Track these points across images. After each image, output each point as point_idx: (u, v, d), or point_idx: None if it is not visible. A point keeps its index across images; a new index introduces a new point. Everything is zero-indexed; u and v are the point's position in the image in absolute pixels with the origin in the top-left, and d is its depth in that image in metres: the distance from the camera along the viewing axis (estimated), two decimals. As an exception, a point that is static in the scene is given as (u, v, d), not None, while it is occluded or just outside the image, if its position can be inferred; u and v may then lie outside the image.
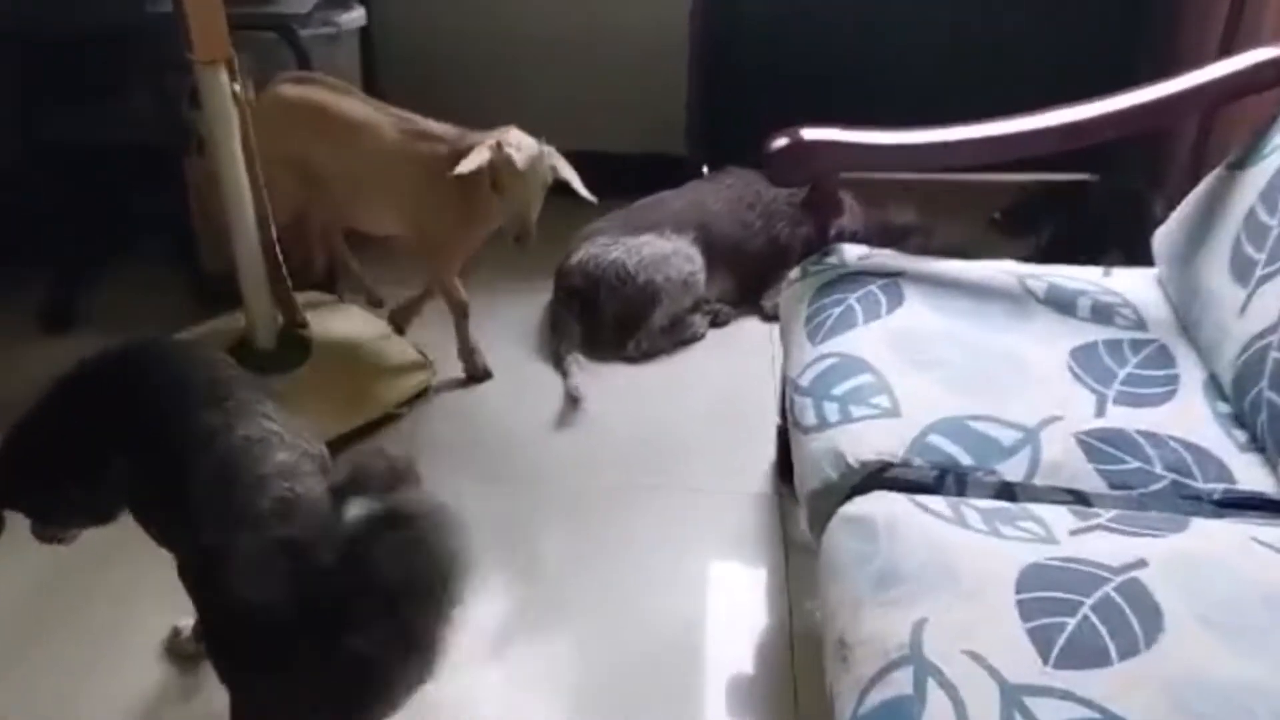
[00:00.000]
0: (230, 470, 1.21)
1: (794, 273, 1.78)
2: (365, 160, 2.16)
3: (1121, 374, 1.49)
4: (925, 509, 1.27)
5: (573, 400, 2.21)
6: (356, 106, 2.18)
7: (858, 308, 1.62)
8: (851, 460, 1.36)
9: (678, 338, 2.38)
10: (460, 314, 2.27)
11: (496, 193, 2.02)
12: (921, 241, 2.46)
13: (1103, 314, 1.61)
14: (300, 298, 2.28)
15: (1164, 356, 1.53)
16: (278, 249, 2.17)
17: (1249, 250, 1.48)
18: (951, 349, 1.52)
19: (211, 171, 2.09)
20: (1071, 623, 1.10)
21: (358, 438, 2.08)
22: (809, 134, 1.71)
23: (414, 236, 2.22)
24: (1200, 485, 1.33)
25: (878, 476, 1.34)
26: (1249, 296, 1.44)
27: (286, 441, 1.26)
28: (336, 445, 1.98)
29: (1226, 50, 2.17)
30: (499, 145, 2.00)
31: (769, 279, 2.48)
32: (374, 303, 2.50)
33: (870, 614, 1.14)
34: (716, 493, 2.03)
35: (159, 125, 2.40)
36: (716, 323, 2.46)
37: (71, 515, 1.43)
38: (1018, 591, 1.13)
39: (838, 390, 1.48)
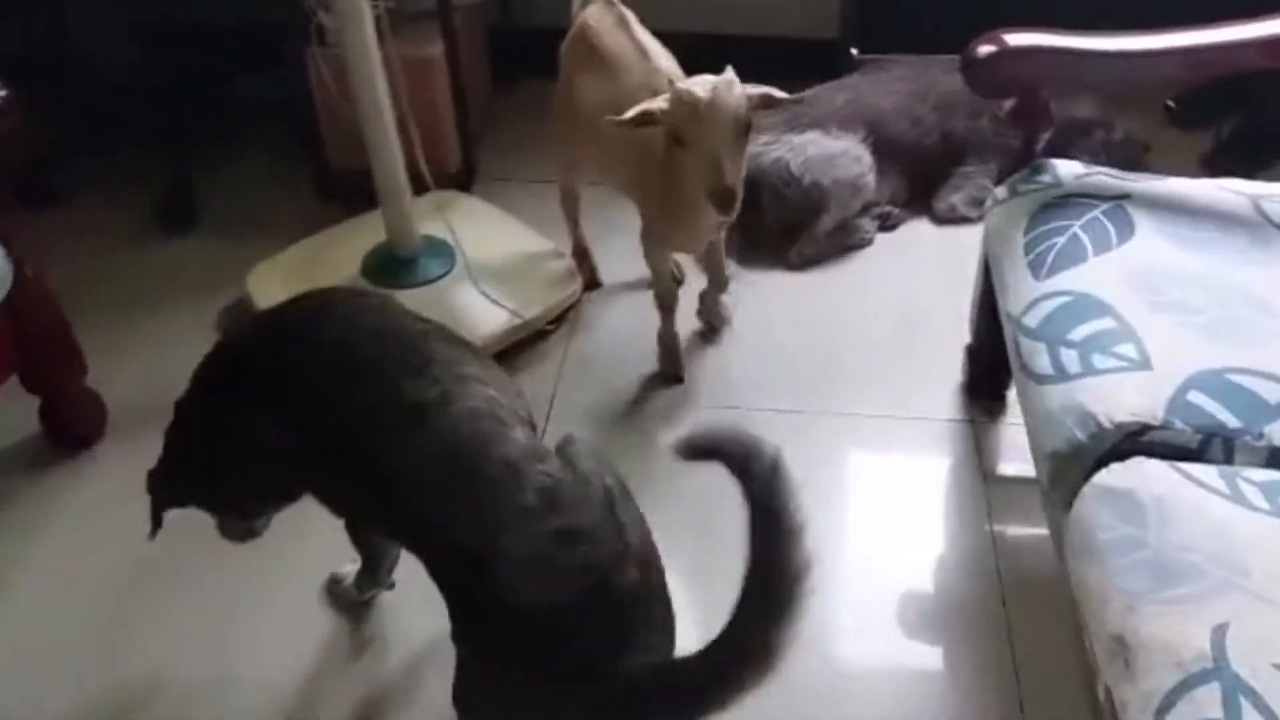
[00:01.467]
0: (466, 456, 1.10)
1: (1000, 190, 1.64)
2: (601, 101, 1.80)
3: (1387, 316, 1.37)
4: (1197, 482, 1.18)
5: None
6: (621, 41, 1.84)
7: (1084, 237, 1.49)
8: (1104, 420, 1.26)
9: (845, 243, 2.25)
10: (663, 304, 1.98)
11: (681, 147, 1.61)
12: (1104, 136, 2.29)
13: (1352, 243, 1.47)
14: (438, 197, 2.17)
15: None
16: (419, 150, 2.06)
17: None
18: (1195, 289, 1.39)
19: (341, 63, 1.97)
20: (1385, 625, 1.02)
21: (503, 358, 2.01)
22: (1015, 39, 1.56)
23: (633, 200, 1.91)
24: None
25: (1134, 440, 1.25)
26: None
27: (509, 410, 1.17)
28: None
29: None
30: (670, 84, 1.63)
31: (940, 177, 2.33)
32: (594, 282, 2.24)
33: (1152, 614, 1.06)
34: (900, 419, 1.93)
35: (274, 6, 2.26)
36: (886, 226, 2.32)
37: (251, 502, 1.35)
38: (1319, 588, 1.05)
39: (1075, 335, 1.37)
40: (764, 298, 2.15)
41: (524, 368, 2.04)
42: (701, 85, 1.59)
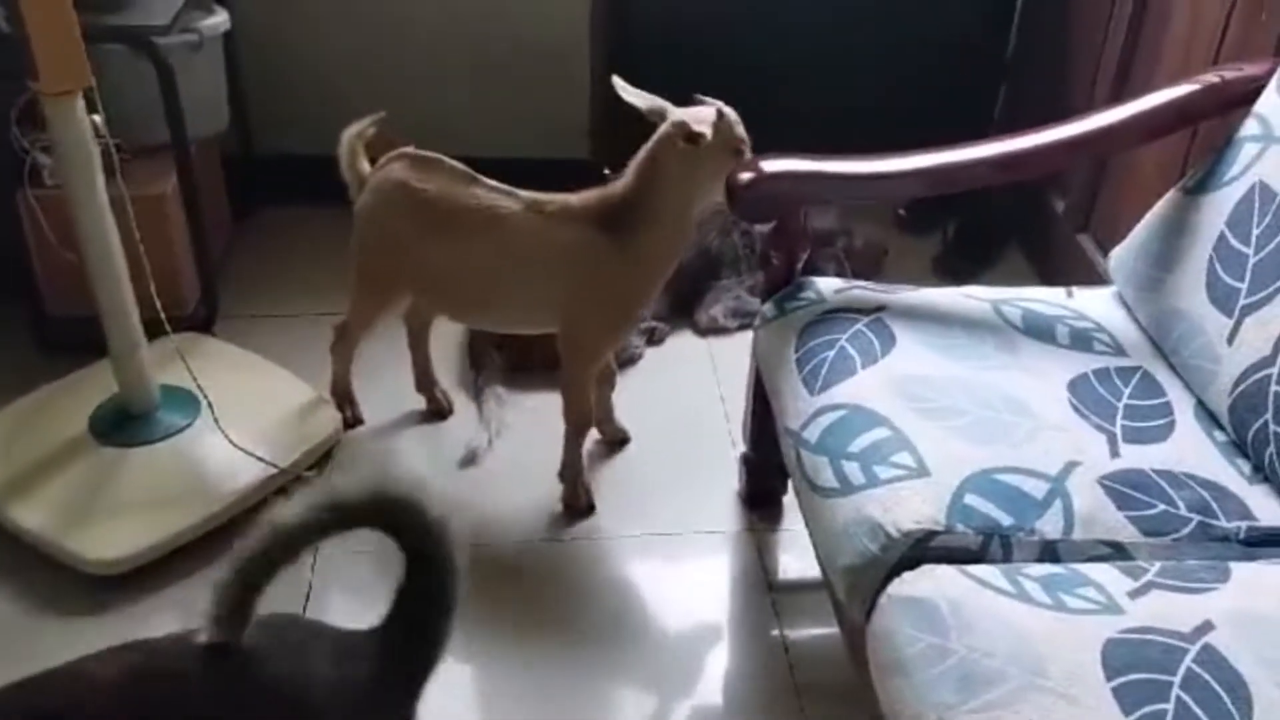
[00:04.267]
0: None
1: (767, 309, 1.69)
2: (500, 254, 1.80)
3: (1120, 406, 1.49)
4: (985, 584, 1.21)
5: (470, 454, 2.04)
6: (480, 194, 1.80)
7: (851, 350, 1.54)
8: (892, 530, 1.29)
9: (617, 360, 2.25)
10: (579, 427, 1.92)
11: (733, 156, 1.70)
12: (846, 243, 2.43)
13: (1082, 340, 1.60)
14: (176, 341, 1.99)
15: (1151, 384, 1.54)
16: (154, 292, 1.89)
17: (1227, 278, 1.49)
18: (957, 393, 1.47)
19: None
20: (1169, 709, 1.07)
21: (262, 506, 1.85)
22: (771, 166, 1.63)
23: (564, 329, 1.85)
24: (1225, 525, 1.33)
25: (922, 546, 1.28)
26: (1235, 325, 1.46)
27: None
28: (237, 521, 1.79)
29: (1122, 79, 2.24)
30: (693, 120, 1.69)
31: (699, 291, 2.40)
32: (441, 412, 2.15)
33: (965, 723, 1.08)
34: (683, 534, 1.93)
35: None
36: (653, 341, 2.35)
37: None
38: (1108, 679, 1.10)
39: (854, 447, 1.40)
40: (534, 421, 2.10)
41: (287, 519, 1.90)
42: (704, 123, 1.67)
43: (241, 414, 1.97)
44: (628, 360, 2.27)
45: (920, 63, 2.68)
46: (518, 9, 2.58)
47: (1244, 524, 1.33)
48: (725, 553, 1.91)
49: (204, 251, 2.28)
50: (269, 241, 2.59)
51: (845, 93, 2.65)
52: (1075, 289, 1.75)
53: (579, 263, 1.78)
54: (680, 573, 1.88)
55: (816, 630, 1.76)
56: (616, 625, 1.77)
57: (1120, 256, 1.73)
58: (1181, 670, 1.10)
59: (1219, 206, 1.56)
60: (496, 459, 2.05)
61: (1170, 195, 1.66)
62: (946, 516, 1.30)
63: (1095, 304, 1.70)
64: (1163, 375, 1.56)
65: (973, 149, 1.66)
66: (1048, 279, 2.39)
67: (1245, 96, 1.62)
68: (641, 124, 1.75)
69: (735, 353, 2.25)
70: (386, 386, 2.16)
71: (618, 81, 1.76)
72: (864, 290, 1.68)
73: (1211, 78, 1.69)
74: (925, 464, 1.36)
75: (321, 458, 2.00)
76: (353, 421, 2.11)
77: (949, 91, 2.68)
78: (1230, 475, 1.40)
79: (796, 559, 1.88)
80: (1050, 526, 1.31)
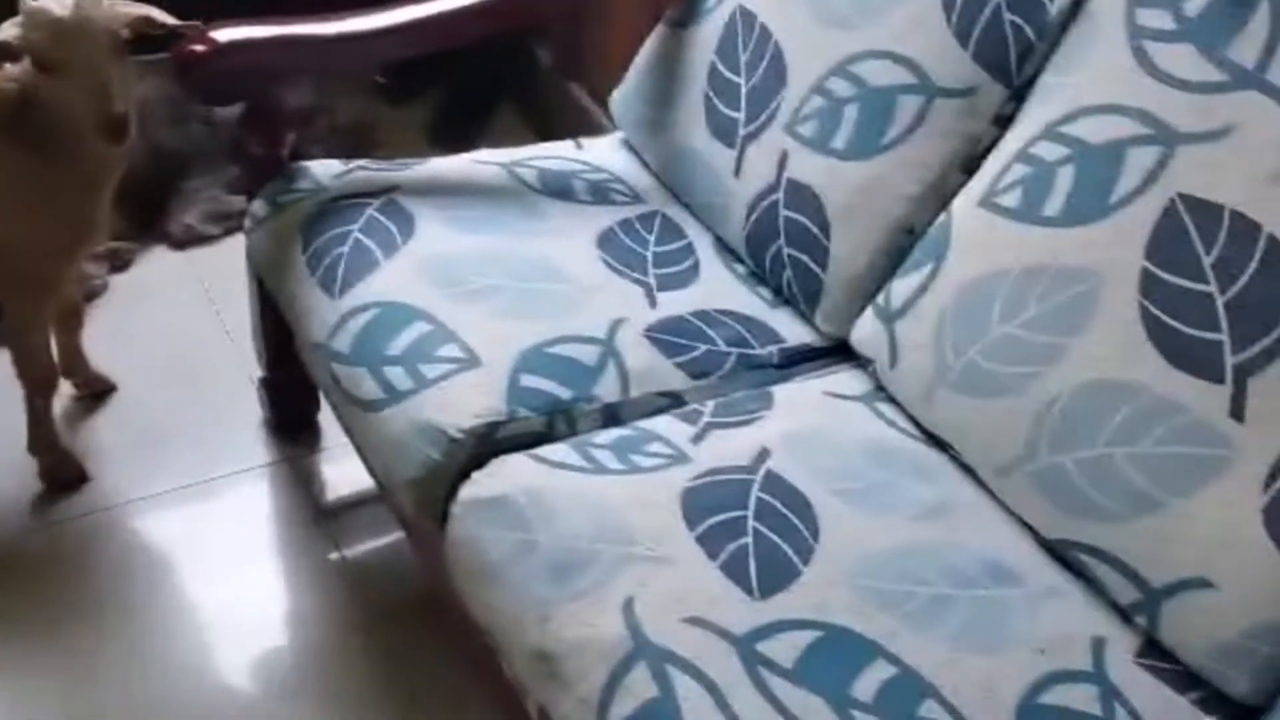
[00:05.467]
0: None
1: (256, 206, 1.48)
2: None
3: (649, 255, 1.48)
4: (558, 465, 1.16)
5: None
6: None
7: (368, 241, 1.39)
8: (452, 431, 1.19)
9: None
10: (40, 384, 1.58)
11: (51, 76, 1.34)
12: (329, 122, 2.20)
13: (600, 193, 1.57)
14: None
15: (671, 227, 1.54)
16: None
17: (725, 110, 1.51)
18: (490, 269, 1.38)
19: None
20: (749, 541, 1.09)
21: None
22: (226, 35, 1.40)
23: None
24: (759, 352, 1.37)
25: (487, 441, 1.20)
26: (739, 156, 1.49)
27: None
28: None
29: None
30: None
31: (166, 197, 2.06)
32: None
33: (567, 615, 1.03)
34: (209, 481, 1.69)
35: None
36: (116, 267, 1.99)
37: None
38: (690, 530, 1.10)
39: (393, 349, 1.27)
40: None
41: None
42: (59, 2, 1.34)
43: None
44: (90, 294, 1.91)
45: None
46: None
47: (775, 348, 1.39)
48: (263, 489, 1.71)
49: None
50: None
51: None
52: (584, 140, 1.72)
53: None
54: (215, 525, 1.65)
55: (378, 550, 1.64)
56: (153, 601, 1.53)
57: (620, 101, 1.70)
58: (752, 502, 1.13)
59: (705, 37, 1.56)
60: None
61: (658, 31, 1.65)
62: (507, 403, 1.22)
63: (605, 153, 1.67)
64: (679, 216, 1.57)
65: (439, 2, 1.53)
66: (545, 135, 2.35)
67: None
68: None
69: (224, 263, 1.96)
70: None
71: None
72: (367, 170, 1.52)
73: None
74: (474, 353, 1.26)
75: None
76: None
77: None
78: (755, 305, 1.45)
79: (344, 479, 1.72)
80: (608, 390, 1.28)
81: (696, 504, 1.12)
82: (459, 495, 1.16)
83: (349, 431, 1.37)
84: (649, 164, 1.65)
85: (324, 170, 1.50)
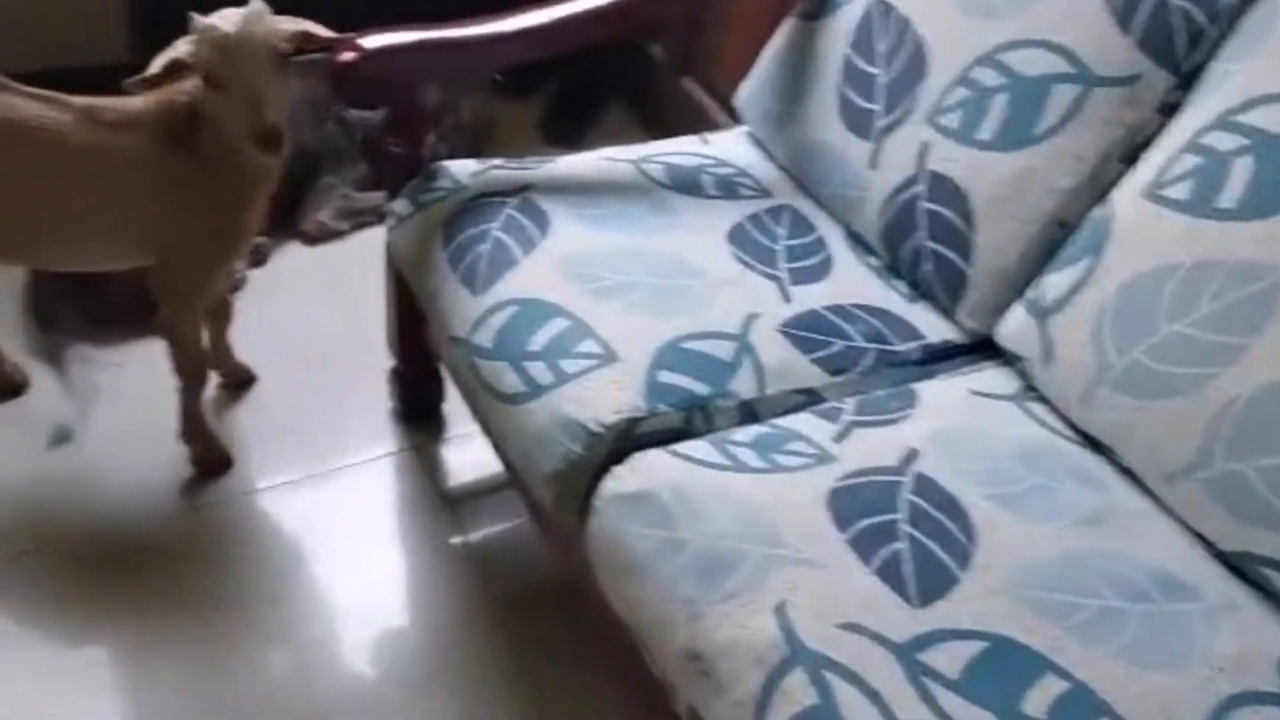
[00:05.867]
0: None
1: (398, 205, 1.49)
2: (52, 175, 1.44)
3: (780, 249, 1.45)
4: (698, 462, 1.14)
5: (60, 432, 1.72)
6: (17, 103, 1.42)
7: (506, 239, 1.39)
8: (593, 425, 1.18)
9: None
10: (193, 376, 1.62)
11: (215, 91, 1.38)
12: (454, 120, 2.22)
13: (728, 188, 1.55)
14: None
15: (801, 221, 1.51)
16: None
17: (860, 102, 1.48)
18: (624, 265, 1.37)
19: None
20: (904, 546, 1.06)
21: None
22: (374, 42, 1.42)
23: (157, 260, 1.53)
24: (900, 348, 1.34)
25: (627, 436, 1.18)
26: (876, 149, 1.45)
27: None
28: None
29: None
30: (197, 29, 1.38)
31: (300, 195, 2.09)
32: (14, 387, 1.75)
33: (719, 615, 1.00)
34: (340, 468, 1.71)
35: None
36: (255, 262, 2.03)
37: None
38: (841, 532, 1.07)
39: (534, 345, 1.26)
40: (146, 376, 1.76)
41: None
42: (226, 18, 1.38)
43: None
44: (232, 288, 1.96)
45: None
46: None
47: (916, 344, 1.35)
48: (390, 478, 1.73)
49: None
50: None
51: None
52: (709, 135, 1.69)
53: (155, 180, 1.46)
54: (345, 511, 1.67)
55: (503, 536, 1.65)
56: (284, 585, 1.56)
57: (748, 95, 1.67)
58: (903, 505, 1.10)
59: (839, 29, 1.53)
60: (96, 431, 1.72)
61: (789, 24, 1.62)
62: (646, 399, 1.20)
63: (730, 147, 1.65)
64: (809, 210, 1.54)
65: (573, 6, 1.52)
66: (657, 131, 2.34)
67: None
68: (177, 22, 1.45)
69: (354, 258, 2.03)
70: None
71: None
72: (503, 169, 1.51)
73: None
74: (612, 348, 1.25)
75: None
76: None
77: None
78: (892, 299, 1.41)
79: (468, 466, 1.73)
80: (744, 386, 1.25)
81: (845, 506, 1.09)
82: (601, 489, 1.15)
83: (485, 424, 1.37)
84: (775, 157, 1.62)
85: (462, 169, 1.51)
